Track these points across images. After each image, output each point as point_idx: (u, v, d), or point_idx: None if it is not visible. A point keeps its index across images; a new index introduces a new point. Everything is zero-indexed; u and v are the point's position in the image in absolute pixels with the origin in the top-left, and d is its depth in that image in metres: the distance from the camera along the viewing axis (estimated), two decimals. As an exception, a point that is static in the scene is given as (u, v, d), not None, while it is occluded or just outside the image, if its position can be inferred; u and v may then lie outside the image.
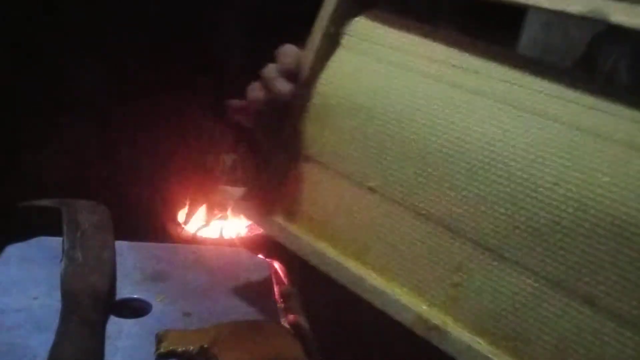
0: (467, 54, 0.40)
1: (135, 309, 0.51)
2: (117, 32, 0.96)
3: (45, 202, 0.60)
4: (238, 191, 0.97)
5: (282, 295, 0.56)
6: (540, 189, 0.35)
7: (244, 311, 0.52)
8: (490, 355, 0.35)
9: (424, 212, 0.39)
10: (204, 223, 1.17)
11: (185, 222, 1.16)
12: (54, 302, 0.48)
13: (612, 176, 0.32)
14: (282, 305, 0.55)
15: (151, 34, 0.99)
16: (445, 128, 0.39)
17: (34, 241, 0.57)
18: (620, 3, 0.32)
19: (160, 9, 0.98)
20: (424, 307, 0.38)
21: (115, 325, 0.47)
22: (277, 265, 0.62)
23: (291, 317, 0.53)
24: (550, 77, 0.37)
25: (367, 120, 0.43)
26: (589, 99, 0.35)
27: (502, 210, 0.36)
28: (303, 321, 0.53)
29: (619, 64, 0.53)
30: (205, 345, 0.44)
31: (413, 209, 0.40)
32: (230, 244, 1.11)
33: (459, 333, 0.36)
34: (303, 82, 0.46)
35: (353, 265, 0.42)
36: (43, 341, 0.43)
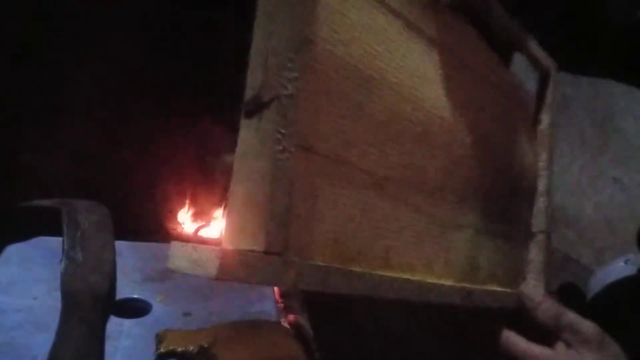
0: None
1: (135, 309, 0.51)
2: (117, 32, 0.96)
3: (45, 202, 0.60)
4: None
5: (282, 295, 0.56)
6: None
7: (244, 311, 0.52)
8: None
9: None
10: (204, 223, 1.17)
11: (185, 222, 1.16)
12: (54, 302, 0.48)
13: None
14: (282, 305, 0.55)
15: (151, 33, 0.99)
16: None
17: (34, 241, 0.57)
18: None
19: (160, 9, 0.98)
20: None
21: (115, 325, 0.47)
22: (277, 265, 0.62)
23: (291, 317, 0.53)
24: None
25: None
26: None
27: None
28: (303, 321, 0.53)
29: None
30: (205, 345, 0.44)
31: None
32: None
33: None
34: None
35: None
36: (43, 341, 0.43)
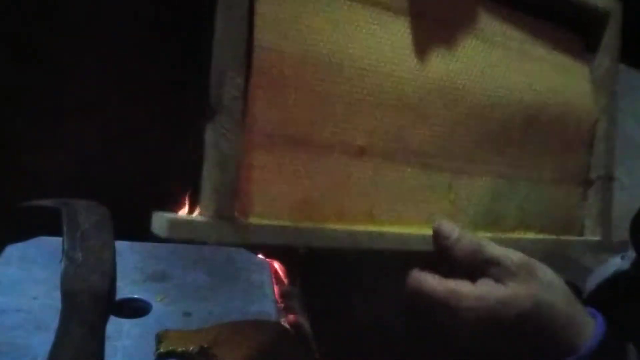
0: None
1: (135, 309, 0.51)
2: (117, 32, 0.96)
3: (45, 202, 0.60)
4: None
5: (282, 295, 0.56)
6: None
7: (244, 311, 0.52)
8: None
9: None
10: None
11: (185, 222, 1.16)
12: (54, 302, 0.48)
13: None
14: (282, 305, 0.55)
15: (151, 33, 0.99)
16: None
17: (34, 241, 0.57)
18: None
19: (160, 9, 0.98)
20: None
21: (115, 325, 0.47)
22: (277, 265, 0.62)
23: (291, 317, 0.53)
24: None
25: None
26: None
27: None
28: (303, 321, 0.53)
29: None
30: (205, 345, 0.44)
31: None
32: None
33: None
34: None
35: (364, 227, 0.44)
36: (43, 341, 0.43)
